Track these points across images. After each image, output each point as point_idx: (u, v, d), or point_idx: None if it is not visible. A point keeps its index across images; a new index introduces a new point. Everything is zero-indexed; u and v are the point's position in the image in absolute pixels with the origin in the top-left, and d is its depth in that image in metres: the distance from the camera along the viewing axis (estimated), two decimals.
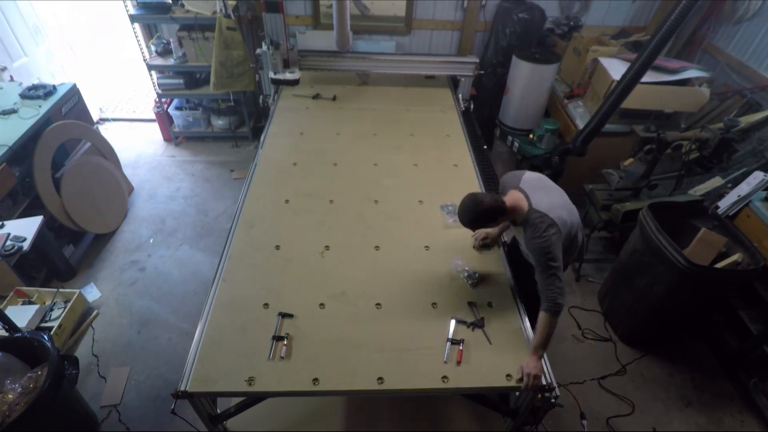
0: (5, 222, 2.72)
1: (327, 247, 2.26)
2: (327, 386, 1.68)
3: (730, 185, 3.04)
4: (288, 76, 3.39)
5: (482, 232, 2.28)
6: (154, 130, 5.09)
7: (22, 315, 2.86)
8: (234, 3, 4.10)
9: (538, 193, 1.89)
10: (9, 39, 4.04)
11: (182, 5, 4.14)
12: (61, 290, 3.13)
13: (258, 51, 3.57)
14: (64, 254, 3.40)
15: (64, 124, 3.50)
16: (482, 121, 4.42)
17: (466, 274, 2.13)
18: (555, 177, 3.99)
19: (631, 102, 3.19)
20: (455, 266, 2.17)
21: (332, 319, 1.92)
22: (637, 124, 3.55)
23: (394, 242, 2.31)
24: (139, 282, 3.45)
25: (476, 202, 1.83)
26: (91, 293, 3.32)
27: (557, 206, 1.89)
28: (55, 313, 3.01)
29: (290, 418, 2.25)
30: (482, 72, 3.84)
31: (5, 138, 3.08)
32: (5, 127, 3.20)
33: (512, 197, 1.89)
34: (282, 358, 1.75)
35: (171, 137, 5.00)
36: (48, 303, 3.05)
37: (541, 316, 1.82)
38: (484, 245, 2.30)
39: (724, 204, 2.88)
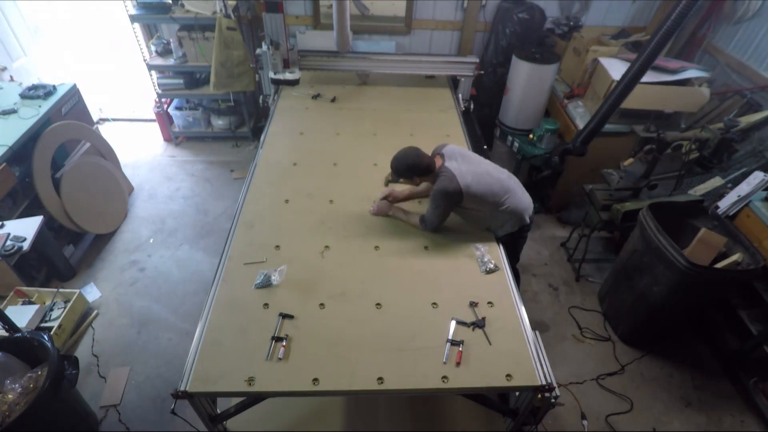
0: (5, 222, 2.73)
1: (327, 247, 2.26)
2: (327, 386, 1.68)
3: (730, 185, 3.04)
4: (288, 76, 3.39)
5: (391, 189, 2.49)
6: (154, 130, 5.09)
7: (22, 315, 2.86)
8: (234, 3, 4.10)
9: (455, 160, 2.23)
10: (9, 39, 4.04)
11: (182, 5, 4.14)
12: (61, 290, 3.13)
13: (258, 51, 3.57)
14: (64, 254, 3.40)
15: (64, 125, 3.50)
16: (482, 121, 4.42)
17: (485, 260, 2.20)
18: (555, 177, 4.01)
19: (631, 102, 3.19)
20: (476, 248, 2.26)
21: (332, 319, 1.92)
22: (637, 124, 3.54)
23: (394, 243, 2.31)
24: (139, 282, 3.45)
25: (419, 155, 2.17)
26: (91, 293, 3.32)
27: (467, 173, 2.17)
28: (55, 313, 3.01)
29: (290, 418, 2.25)
30: (482, 72, 3.84)
31: (5, 138, 3.08)
32: (5, 127, 3.20)
33: (436, 160, 2.25)
34: (280, 359, 1.74)
35: (171, 137, 5.00)
36: (48, 303, 3.05)
37: (416, 221, 2.34)
38: (379, 210, 2.46)
39: (724, 204, 2.88)
